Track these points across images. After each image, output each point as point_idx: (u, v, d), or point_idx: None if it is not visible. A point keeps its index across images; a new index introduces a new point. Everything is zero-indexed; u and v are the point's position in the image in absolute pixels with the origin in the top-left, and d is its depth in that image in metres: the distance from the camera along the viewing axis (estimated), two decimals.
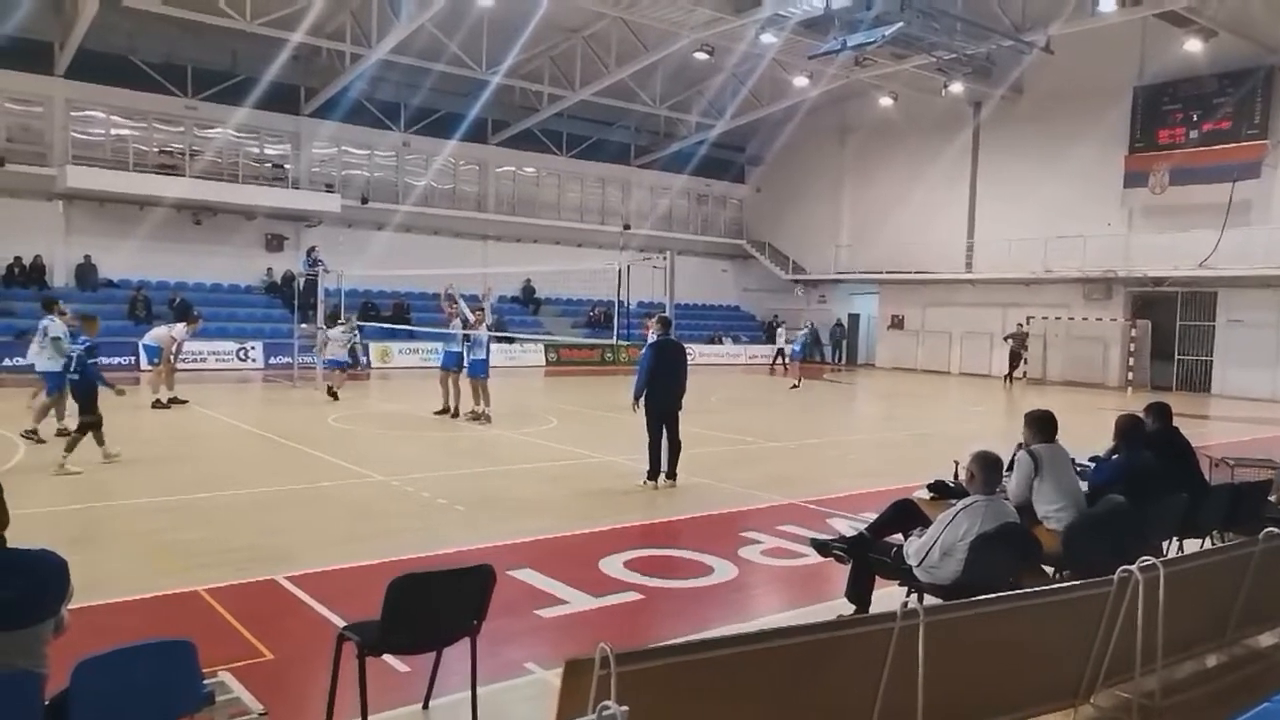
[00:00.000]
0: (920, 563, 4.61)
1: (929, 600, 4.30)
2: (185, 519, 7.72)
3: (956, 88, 27.04)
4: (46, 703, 2.90)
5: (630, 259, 13.63)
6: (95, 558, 6.16)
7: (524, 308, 31.32)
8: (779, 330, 29.40)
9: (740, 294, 38.16)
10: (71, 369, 9.84)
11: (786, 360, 25.75)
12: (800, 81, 27.59)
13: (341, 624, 4.60)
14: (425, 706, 4.12)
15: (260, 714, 3.25)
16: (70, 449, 9.33)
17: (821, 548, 5.33)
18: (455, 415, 14.24)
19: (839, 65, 25.71)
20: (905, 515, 5.27)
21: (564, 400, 18.62)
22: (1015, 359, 27.05)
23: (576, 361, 28.67)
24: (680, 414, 9.48)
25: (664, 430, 9.37)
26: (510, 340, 26.02)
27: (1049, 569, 5.03)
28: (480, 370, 13.90)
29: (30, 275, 23.38)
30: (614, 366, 28.05)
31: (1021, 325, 27.65)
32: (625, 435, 13.06)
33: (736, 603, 6.02)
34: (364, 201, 28.09)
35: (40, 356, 11.18)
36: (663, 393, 9.31)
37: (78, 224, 24.15)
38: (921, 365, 31.28)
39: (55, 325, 10.84)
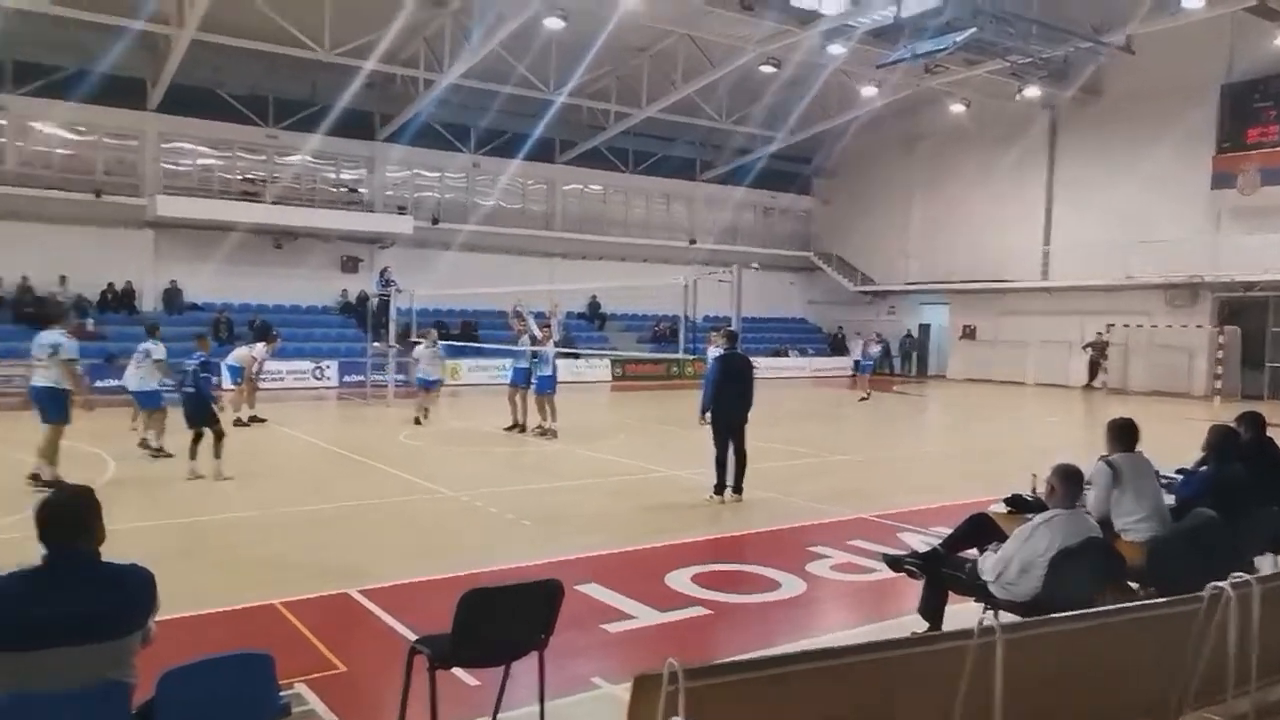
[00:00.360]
0: (997, 578, 4.47)
1: (1006, 617, 4.16)
2: (262, 533, 7.96)
3: (1031, 91, 26.38)
4: (134, 712, 3.01)
5: (696, 274, 13.63)
6: (177, 571, 6.38)
7: (590, 323, 31.54)
8: (861, 342, 28.66)
9: (806, 306, 37.81)
10: (186, 384, 10.34)
11: (856, 372, 25.28)
12: (868, 91, 27.30)
13: (412, 637, 4.68)
14: None
15: None
16: (218, 455, 10.09)
17: (894, 563, 5.22)
18: (524, 431, 14.40)
19: (908, 73, 25.37)
20: (981, 530, 5.12)
21: (630, 415, 18.68)
22: (1094, 368, 26.16)
23: (642, 376, 28.74)
24: (746, 428, 9.40)
25: (730, 444, 9.31)
26: (576, 356, 26.22)
27: (1133, 584, 4.83)
28: (547, 386, 14.04)
29: (121, 300, 24.49)
30: (680, 381, 28.03)
31: (1101, 334, 26.73)
32: (691, 449, 13.02)
33: (805, 619, 5.94)
34: (435, 222, 28.72)
35: (134, 377, 11.79)
36: (728, 406, 9.26)
37: (165, 250, 25.23)
38: (995, 376, 30.45)
39: (158, 349, 11.73)
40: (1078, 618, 3.57)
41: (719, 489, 9.36)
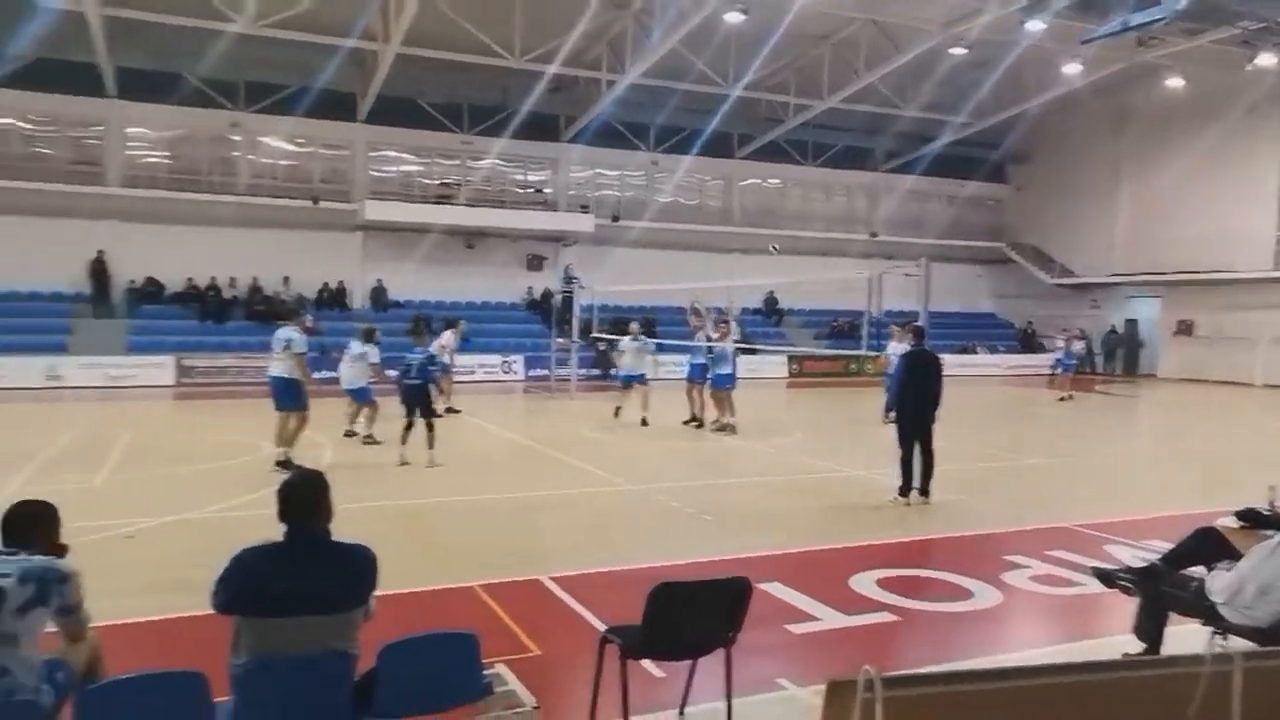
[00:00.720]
0: (1230, 600, 4.06)
1: (1239, 643, 3.78)
2: (461, 519, 8.45)
3: (1266, 60, 23.60)
4: (356, 680, 3.28)
5: (878, 267, 13.21)
6: (385, 550, 6.85)
7: (766, 319, 31.26)
8: (1064, 338, 26.68)
9: (996, 300, 35.75)
10: (411, 375, 11.10)
11: (1057, 371, 23.17)
12: (1071, 69, 25.40)
13: (599, 625, 4.83)
14: (681, 713, 4.20)
15: (533, 708, 3.47)
16: (431, 445, 10.84)
17: (1105, 578, 4.85)
18: (701, 425, 14.48)
19: (1117, 47, 23.40)
20: (1209, 546, 4.67)
21: (808, 412, 18.36)
22: None
23: (820, 373, 28.17)
24: (935, 428, 9.03)
25: (916, 444, 8.98)
26: (753, 352, 26.06)
27: None
28: (726, 382, 14.05)
29: (335, 298, 26.67)
30: (859, 378, 27.27)
31: None
32: (872, 449, 12.67)
33: (1001, 632, 5.63)
34: (615, 220, 29.39)
35: (346, 375, 13.12)
36: (915, 405, 8.94)
37: (372, 251, 27.25)
38: (1215, 376, 27.62)
39: (373, 352, 13.08)
40: None
41: (904, 490, 9.05)
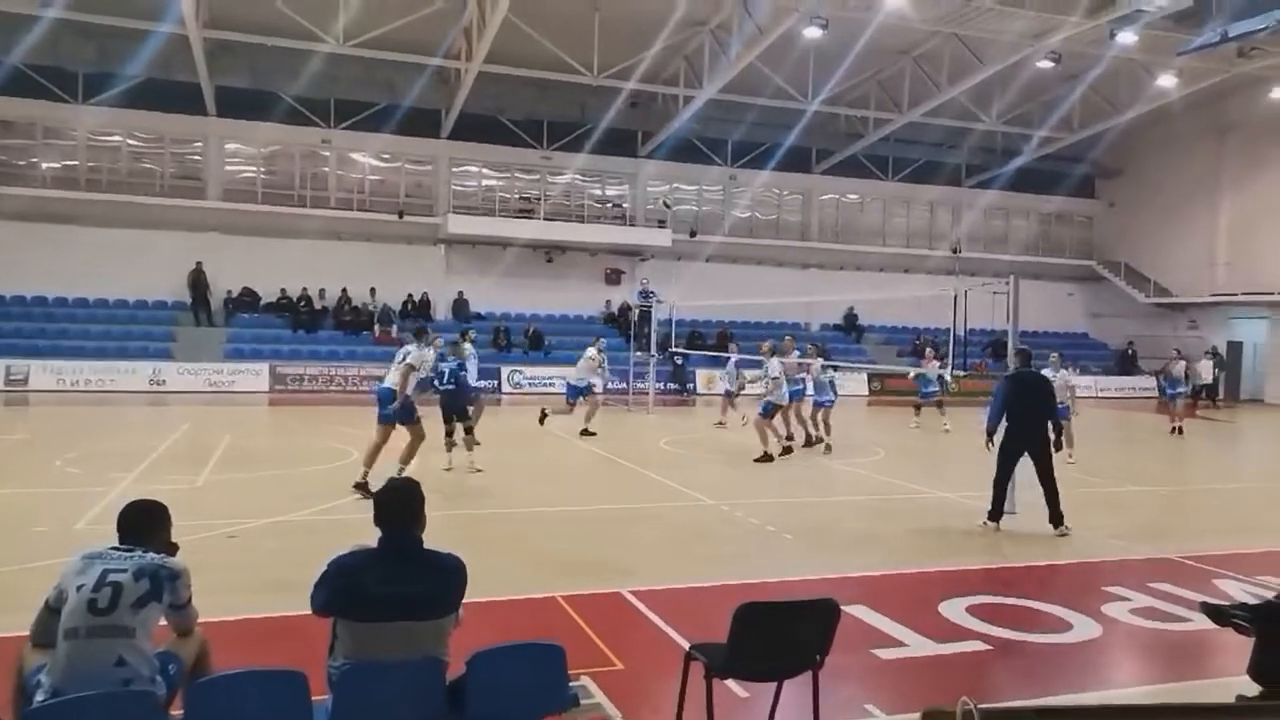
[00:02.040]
0: None
1: None
2: (545, 529, 8.53)
3: None
4: (447, 685, 3.32)
5: (964, 284, 12.88)
6: (472, 559, 6.94)
7: (846, 335, 30.83)
8: (1202, 362, 25.71)
9: (1089, 320, 34.52)
10: (445, 381, 11.19)
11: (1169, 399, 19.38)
12: (1165, 81, 24.50)
13: (681, 641, 4.80)
14: None
15: None
16: (469, 448, 11.07)
17: (1216, 614, 4.58)
18: (808, 444, 14.30)
19: (1215, 58, 22.50)
20: None
21: (890, 431, 17.98)
22: None
23: (901, 391, 27.53)
24: (1050, 453, 8.59)
25: (1016, 470, 8.66)
26: (835, 368, 25.66)
27: None
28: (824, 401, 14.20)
29: (419, 309, 27.33)
30: (943, 397, 26.60)
31: None
32: (959, 470, 12.33)
33: (1102, 666, 5.38)
34: (692, 235, 29.41)
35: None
36: (1019, 430, 8.61)
37: (454, 264, 27.86)
38: None
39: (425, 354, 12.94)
40: None
41: (995, 515, 8.75)
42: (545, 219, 28.25)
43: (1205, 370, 25.42)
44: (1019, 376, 8.85)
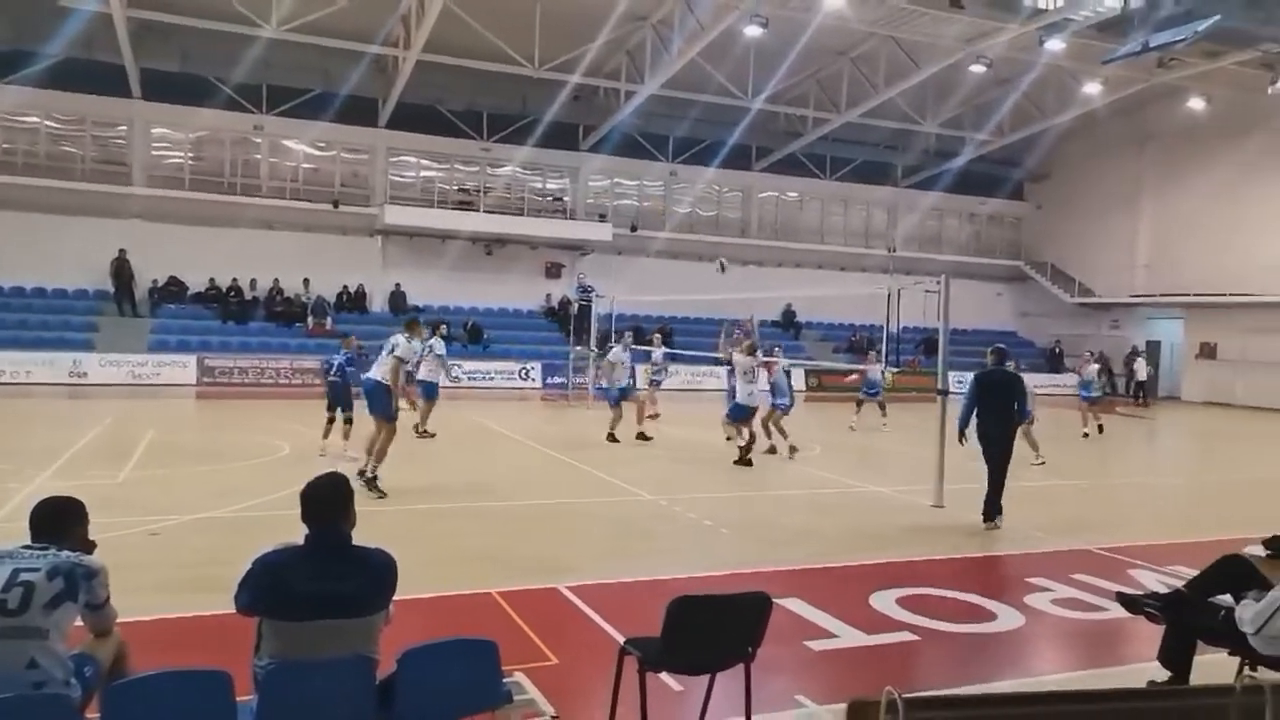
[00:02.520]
0: (1259, 630, 4.00)
1: (1273, 675, 3.72)
2: (479, 525, 8.45)
3: None
4: (376, 684, 3.27)
5: (898, 282, 13.15)
6: (406, 555, 6.86)
7: (784, 332, 31.21)
8: (1081, 364, 26.44)
9: (1017, 319, 35.57)
10: (332, 374, 12.01)
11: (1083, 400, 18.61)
12: (1091, 89, 25.36)
13: (616, 636, 4.81)
14: None
15: (552, 717, 3.46)
16: (346, 436, 11.66)
17: (1130, 603, 4.78)
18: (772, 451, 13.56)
19: (1138, 67, 23.35)
20: (1235, 574, 4.60)
21: (827, 427, 18.27)
22: None
23: (837, 388, 28.02)
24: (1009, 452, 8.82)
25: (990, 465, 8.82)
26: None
27: None
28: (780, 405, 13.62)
29: (355, 301, 26.83)
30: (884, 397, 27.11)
31: None
32: (894, 466, 12.60)
33: (1024, 655, 5.57)
34: (633, 230, 29.45)
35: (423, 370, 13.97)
36: (987, 426, 8.76)
37: (391, 256, 27.41)
38: (1239, 400, 27.37)
39: (439, 344, 14.49)
40: None
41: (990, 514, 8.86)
42: (485, 212, 27.99)
43: (1141, 369, 26.32)
44: (987, 375, 9.00)
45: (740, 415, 12.43)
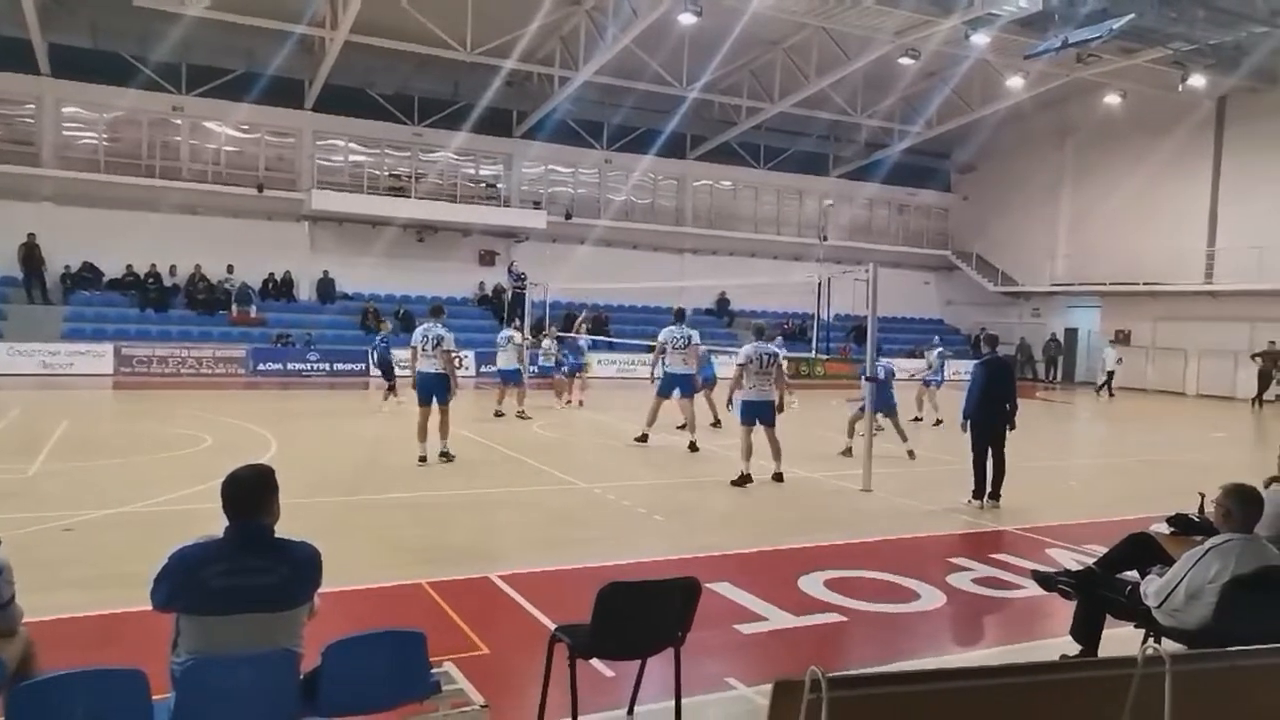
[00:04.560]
0: (1161, 604, 4.20)
1: (1171, 646, 3.91)
2: (409, 515, 8.34)
3: (1197, 81, 24.56)
4: (301, 678, 3.22)
5: (829, 271, 13.37)
6: (334, 547, 6.75)
7: (718, 320, 31.47)
8: (1108, 352, 27.35)
9: (944, 307, 36.49)
10: None
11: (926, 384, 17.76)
12: (1014, 82, 26.05)
13: (548, 624, 4.81)
14: (630, 713, 4.21)
15: (481, 706, 3.44)
16: None
17: (1045, 581, 4.97)
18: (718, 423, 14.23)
19: (1058, 63, 24.07)
20: (1141, 551, 4.82)
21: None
22: (1265, 380, 24.12)
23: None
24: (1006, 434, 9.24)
25: (989, 451, 9.18)
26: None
27: None
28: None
29: (281, 289, 26.14)
30: (809, 381, 27.55)
31: (1274, 343, 24.63)
32: (823, 450, 12.82)
33: (945, 632, 5.75)
34: (568, 217, 29.30)
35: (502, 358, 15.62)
36: (991, 412, 9.13)
37: (320, 242, 26.77)
38: (1151, 385, 28.58)
39: (513, 333, 15.69)
40: (1255, 653, 3.31)
41: (978, 494, 9.21)
42: (417, 198, 27.51)
43: (1110, 358, 27.06)
44: (990, 363, 9.39)
45: (674, 387, 12.61)
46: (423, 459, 10.66)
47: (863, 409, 12.38)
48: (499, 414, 15.66)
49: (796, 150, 32.96)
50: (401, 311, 26.04)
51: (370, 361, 16.58)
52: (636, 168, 30.65)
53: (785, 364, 12.12)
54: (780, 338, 15.55)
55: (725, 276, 29.67)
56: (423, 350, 10.98)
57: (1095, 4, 19.84)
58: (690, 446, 12.41)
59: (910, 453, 12.37)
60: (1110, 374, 26.52)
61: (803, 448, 13.71)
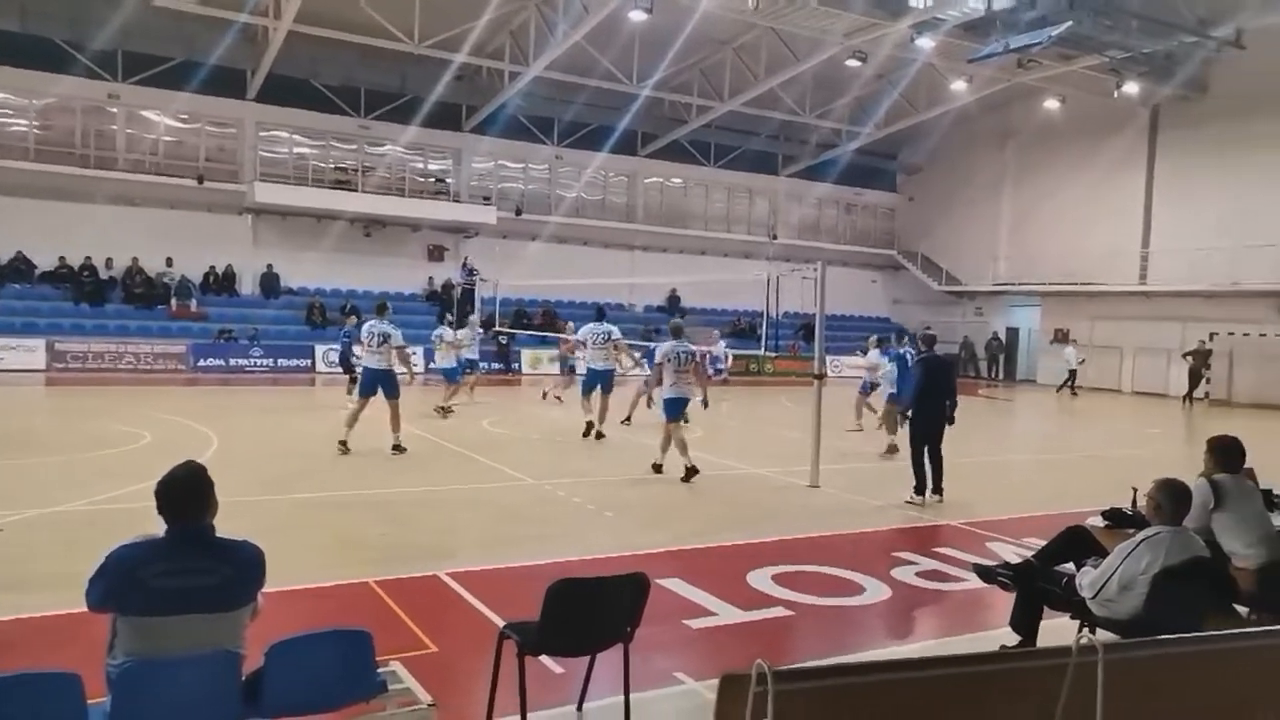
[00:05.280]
0: (1095, 595, 4.33)
1: (1105, 636, 4.04)
2: (358, 513, 8.23)
3: (1131, 88, 25.35)
4: (243, 680, 3.16)
5: (778, 269, 13.50)
6: (279, 546, 6.63)
7: (669, 316, 31.56)
8: (1068, 351, 27.80)
9: (890, 306, 37.11)
10: None
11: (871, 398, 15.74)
12: (958, 86, 26.60)
13: (498, 621, 4.79)
14: (579, 709, 4.21)
15: (428, 705, 3.41)
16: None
17: (985, 574, 5.10)
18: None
19: (1000, 68, 24.63)
20: (1078, 544, 4.97)
21: (710, 411, 18.60)
22: (1195, 378, 25.01)
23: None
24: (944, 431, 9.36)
25: (926, 447, 9.29)
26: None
27: (1242, 610, 4.63)
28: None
29: (223, 283, 25.55)
30: (759, 378, 27.85)
31: (1204, 342, 25.54)
32: (772, 447, 12.98)
33: (890, 625, 5.85)
34: (518, 213, 29.13)
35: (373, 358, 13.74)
36: (931, 411, 9.24)
37: (263, 236, 26.21)
38: (1089, 383, 29.41)
39: (397, 333, 14.23)
40: (1183, 641, 3.43)
41: (919, 490, 9.30)
42: (364, 192, 27.10)
43: (1072, 357, 27.62)
44: (930, 361, 9.51)
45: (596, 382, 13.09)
46: (343, 444, 10.88)
47: (891, 402, 12.75)
48: (446, 410, 15.47)
49: (747, 149, 33.21)
50: (348, 306, 25.61)
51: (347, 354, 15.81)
52: (587, 164, 30.59)
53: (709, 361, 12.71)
54: (713, 333, 15.80)
55: (676, 274, 29.79)
56: (368, 346, 11.13)
57: (1034, 11, 20.34)
58: (593, 433, 13.05)
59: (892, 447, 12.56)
60: (1073, 373, 27.11)
61: (753, 445, 13.87)
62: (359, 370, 12.19)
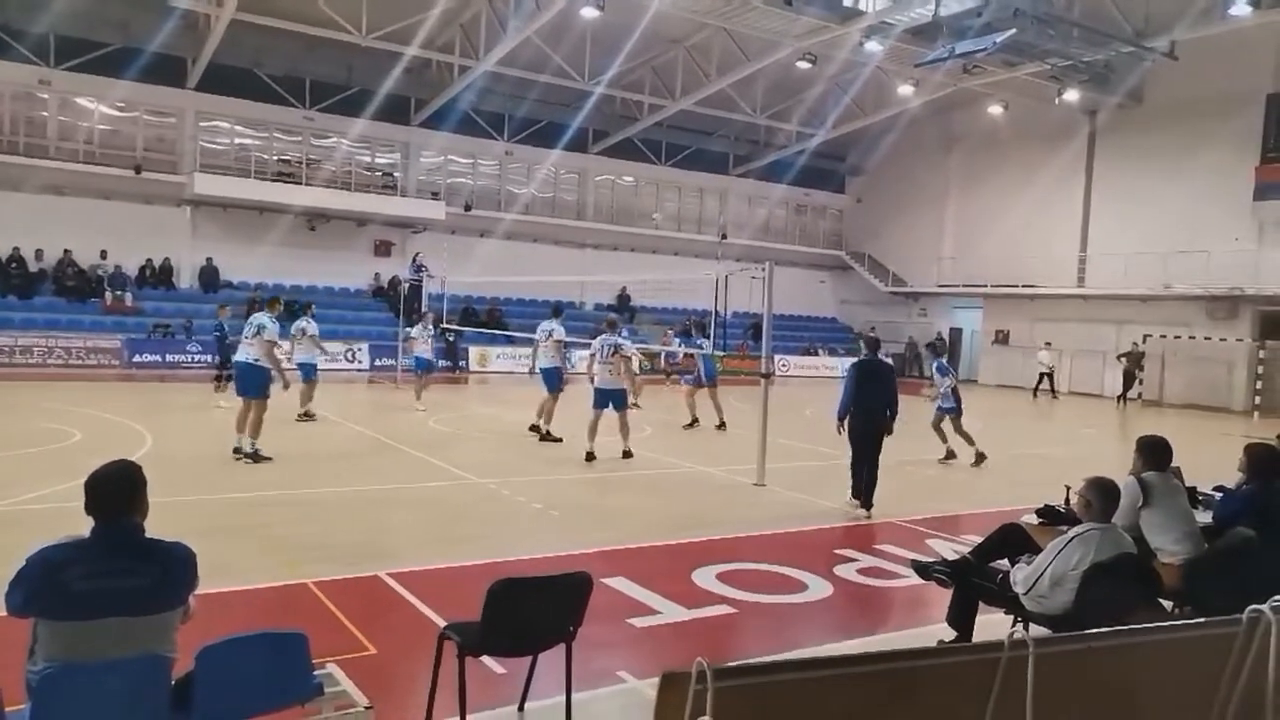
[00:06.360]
0: (1028, 591, 4.44)
1: (1038, 630, 4.13)
2: (296, 513, 8.07)
3: (1071, 95, 26.04)
4: (173, 684, 3.07)
5: (727, 269, 13.57)
6: (214, 547, 6.47)
7: (619, 316, 31.55)
8: (1041, 354, 27.81)
9: (838, 306, 37.60)
10: None
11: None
12: (905, 90, 27.04)
13: (440, 622, 4.73)
14: (520, 709, 4.19)
15: (365, 708, 3.36)
16: None
17: (922, 570, 5.19)
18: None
19: (946, 73, 25.09)
20: (1012, 541, 5.08)
21: (658, 409, 18.65)
22: (1129, 379, 25.79)
23: (669, 371, 28.65)
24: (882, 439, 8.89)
25: (865, 454, 8.88)
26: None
27: (1167, 604, 4.78)
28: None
29: (160, 276, 24.86)
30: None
31: (1137, 344, 26.36)
32: (719, 447, 13.04)
33: (831, 621, 5.92)
34: (467, 209, 28.86)
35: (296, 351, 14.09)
36: (866, 415, 8.74)
37: (203, 229, 25.56)
38: (1028, 383, 30.12)
39: (312, 325, 14.11)
40: (1110, 634, 3.52)
41: (856, 492, 8.98)
42: (309, 185, 26.57)
43: (1046, 358, 27.79)
44: (866, 364, 9.04)
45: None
46: (236, 450, 10.23)
47: (940, 410, 12.90)
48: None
49: (700, 149, 33.37)
50: (292, 302, 25.16)
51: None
52: (538, 161, 30.44)
53: (637, 356, 13.09)
54: (621, 329, 15.57)
55: (627, 272, 29.80)
56: (244, 338, 10.47)
57: (984, 18, 20.76)
58: (533, 429, 12.99)
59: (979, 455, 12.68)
60: (1047, 375, 27.18)
61: (701, 444, 13.93)
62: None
